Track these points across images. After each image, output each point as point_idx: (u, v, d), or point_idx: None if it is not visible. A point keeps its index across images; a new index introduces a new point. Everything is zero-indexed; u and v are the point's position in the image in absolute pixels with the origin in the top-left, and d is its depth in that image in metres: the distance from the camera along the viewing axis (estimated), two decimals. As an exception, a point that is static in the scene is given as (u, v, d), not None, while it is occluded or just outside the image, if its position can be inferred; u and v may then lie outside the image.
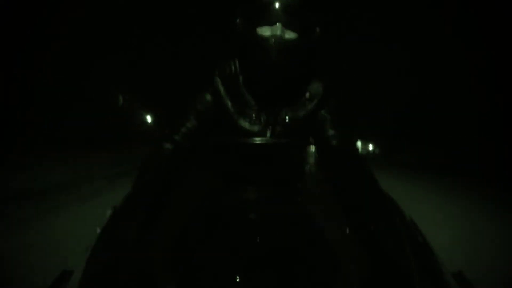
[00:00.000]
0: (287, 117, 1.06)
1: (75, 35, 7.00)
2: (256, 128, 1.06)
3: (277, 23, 0.94)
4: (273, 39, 0.95)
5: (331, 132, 1.08)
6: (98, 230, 0.87)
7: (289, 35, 0.96)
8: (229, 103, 1.06)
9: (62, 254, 1.73)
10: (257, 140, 1.02)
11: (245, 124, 1.06)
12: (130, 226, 0.71)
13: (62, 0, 6.49)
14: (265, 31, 0.96)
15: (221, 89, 1.07)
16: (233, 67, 1.08)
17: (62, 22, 6.56)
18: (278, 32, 0.95)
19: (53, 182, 3.84)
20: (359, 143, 1.25)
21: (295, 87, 1.07)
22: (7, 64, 5.65)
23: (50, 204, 3.09)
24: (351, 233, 0.72)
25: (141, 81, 10.33)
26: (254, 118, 1.05)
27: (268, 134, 1.06)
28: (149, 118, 1.45)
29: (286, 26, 0.96)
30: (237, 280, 0.56)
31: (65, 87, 6.68)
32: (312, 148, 1.06)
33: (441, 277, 0.68)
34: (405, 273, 0.61)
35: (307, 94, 1.08)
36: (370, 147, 1.28)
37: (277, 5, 0.95)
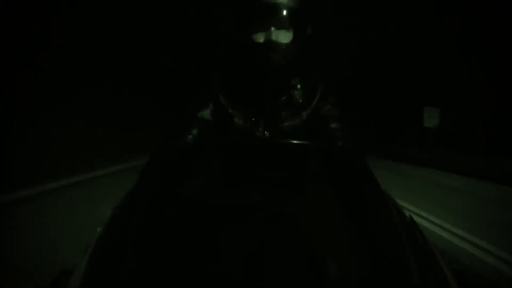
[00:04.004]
0: (284, 117, 1.07)
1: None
2: (255, 130, 1.06)
3: (271, 28, 0.94)
4: (267, 44, 0.95)
5: (334, 126, 1.08)
6: (98, 230, 0.87)
7: (283, 38, 0.96)
8: (229, 108, 1.07)
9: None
10: (258, 140, 1.02)
11: (245, 126, 1.06)
12: (130, 226, 0.71)
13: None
14: (258, 36, 0.96)
15: (221, 96, 1.08)
16: (227, 74, 1.10)
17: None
18: (272, 37, 0.95)
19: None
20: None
21: (288, 87, 1.08)
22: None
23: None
24: (351, 233, 0.72)
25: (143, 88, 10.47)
26: (253, 120, 1.06)
27: (267, 135, 1.06)
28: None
29: (278, 28, 0.96)
30: (236, 279, 0.56)
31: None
32: (314, 148, 1.06)
33: (441, 277, 0.68)
34: (405, 273, 0.61)
35: (298, 93, 1.08)
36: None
37: (269, 9, 0.95)
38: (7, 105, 5.31)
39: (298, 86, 1.08)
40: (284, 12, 0.95)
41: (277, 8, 0.95)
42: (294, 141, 0.93)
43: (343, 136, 1.09)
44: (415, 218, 1.07)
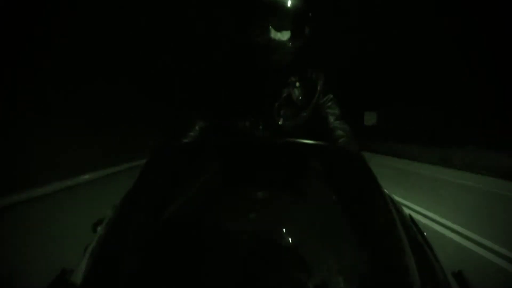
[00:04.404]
0: (284, 117, 1.06)
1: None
2: (255, 130, 1.06)
3: (271, 28, 0.94)
4: (267, 44, 0.95)
5: (336, 125, 1.08)
6: (99, 230, 0.87)
7: (282, 38, 0.96)
8: (229, 108, 1.07)
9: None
10: (259, 140, 1.02)
11: (245, 126, 1.06)
12: (130, 226, 0.71)
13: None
14: (258, 36, 0.96)
15: (221, 96, 1.08)
16: (228, 72, 1.09)
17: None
18: (272, 37, 0.94)
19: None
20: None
21: (288, 86, 1.07)
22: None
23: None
24: (351, 233, 0.72)
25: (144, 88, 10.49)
26: (253, 120, 1.06)
27: (267, 135, 1.06)
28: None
29: (278, 28, 0.95)
30: (236, 280, 0.56)
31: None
32: (314, 147, 1.06)
33: (441, 276, 0.68)
34: (405, 273, 0.61)
35: (298, 92, 1.08)
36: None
37: (268, 8, 0.95)
38: (5, 106, 5.32)
39: (298, 85, 1.08)
40: (284, 12, 0.95)
41: (277, 8, 0.95)
42: (294, 141, 0.93)
43: (345, 134, 1.08)
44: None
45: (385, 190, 0.91)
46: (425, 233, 0.92)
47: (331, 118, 1.10)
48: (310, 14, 1.00)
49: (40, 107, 5.63)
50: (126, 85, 9.61)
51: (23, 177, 4.24)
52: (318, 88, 1.11)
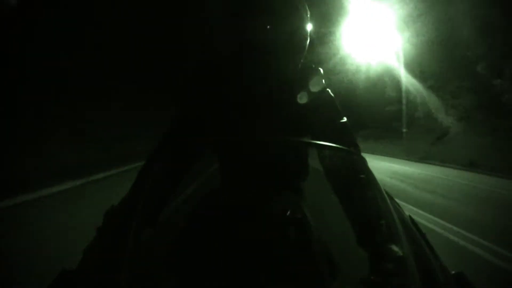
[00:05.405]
0: (283, 117, 1.06)
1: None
2: (254, 129, 1.05)
3: (269, 29, 0.94)
4: (262, 45, 0.94)
5: (335, 124, 1.07)
6: (99, 230, 0.87)
7: (279, 39, 0.96)
8: (229, 108, 1.06)
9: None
10: (258, 139, 1.02)
11: (244, 126, 1.05)
12: (129, 226, 0.71)
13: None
14: (256, 37, 0.95)
15: (221, 96, 1.07)
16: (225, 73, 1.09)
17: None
18: (269, 37, 0.94)
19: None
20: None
21: (286, 86, 1.07)
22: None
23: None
24: (351, 233, 0.72)
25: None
26: (252, 120, 1.05)
27: (266, 134, 1.05)
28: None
29: (276, 30, 0.95)
30: (234, 280, 0.56)
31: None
32: (314, 147, 1.06)
33: (441, 278, 0.68)
34: (405, 273, 0.61)
35: (296, 92, 1.07)
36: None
37: (266, 10, 0.94)
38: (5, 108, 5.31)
39: (297, 85, 1.08)
40: (284, 14, 0.95)
41: (275, 7, 0.94)
42: (295, 140, 0.93)
43: (346, 134, 1.08)
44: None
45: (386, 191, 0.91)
46: (424, 232, 0.92)
47: (331, 118, 1.09)
48: (308, 14, 1.00)
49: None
50: (127, 85, 9.60)
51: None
52: (318, 87, 1.10)
